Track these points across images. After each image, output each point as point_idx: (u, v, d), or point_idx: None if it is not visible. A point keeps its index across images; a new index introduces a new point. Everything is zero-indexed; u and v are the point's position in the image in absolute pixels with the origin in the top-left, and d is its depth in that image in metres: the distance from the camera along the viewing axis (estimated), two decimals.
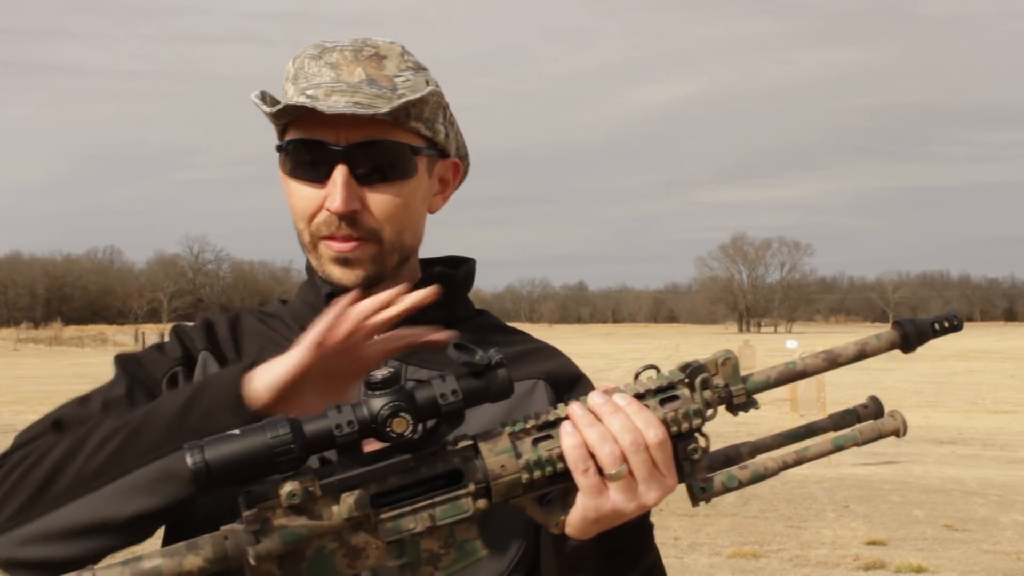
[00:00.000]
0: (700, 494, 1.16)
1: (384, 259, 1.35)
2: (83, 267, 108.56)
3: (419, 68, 1.37)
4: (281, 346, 1.40)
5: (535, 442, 1.11)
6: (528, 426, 1.12)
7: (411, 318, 1.38)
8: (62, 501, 1.14)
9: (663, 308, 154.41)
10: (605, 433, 1.10)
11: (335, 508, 1.06)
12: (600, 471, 1.10)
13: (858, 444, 1.19)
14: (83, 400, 1.31)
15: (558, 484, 1.13)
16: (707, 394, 1.14)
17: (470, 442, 1.11)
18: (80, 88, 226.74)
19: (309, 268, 1.42)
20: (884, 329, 1.21)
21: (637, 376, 1.17)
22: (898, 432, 1.19)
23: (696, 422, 1.14)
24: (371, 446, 1.09)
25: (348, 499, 1.06)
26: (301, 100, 1.28)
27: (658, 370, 1.17)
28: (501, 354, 1.10)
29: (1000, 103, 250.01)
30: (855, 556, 8.25)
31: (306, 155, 1.33)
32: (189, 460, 1.02)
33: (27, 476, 1.16)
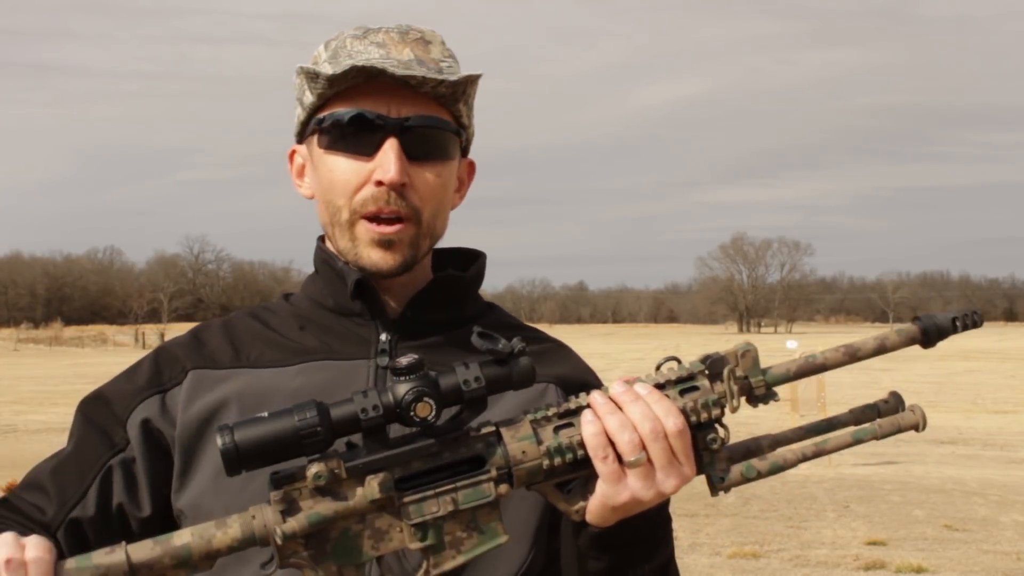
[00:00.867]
0: (719, 483, 1.17)
1: (420, 243, 1.35)
2: (83, 267, 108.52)
3: (455, 58, 1.38)
4: (277, 343, 1.40)
5: (556, 429, 1.13)
6: (550, 414, 1.14)
7: (419, 320, 1.39)
8: None
9: (663, 308, 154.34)
10: (625, 421, 1.11)
11: (360, 490, 1.09)
12: (619, 458, 1.12)
13: (877, 438, 1.20)
14: (38, 472, 1.36)
15: (579, 471, 1.14)
16: (726, 385, 1.15)
17: (492, 428, 1.13)
18: (83, 88, 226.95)
19: (323, 260, 1.41)
20: (902, 325, 1.21)
21: (659, 367, 1.18)
22: (917, 426, 1.20)
23: (715, 412, 1.15)
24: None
25: (373, 482, 1.08)
26: (370, 61, 1.27)
27: (679, 362, 1.18)
28: (524, 343, 1.11)
29: (1001, 103, 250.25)
30: (855, 556, 8.25)
31: (351, 128, 1.31)
32: (219, 441, 1.05)
33: None
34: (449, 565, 1.11)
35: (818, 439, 1.20)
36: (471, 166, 1.47)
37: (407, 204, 1.32)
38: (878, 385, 26.37)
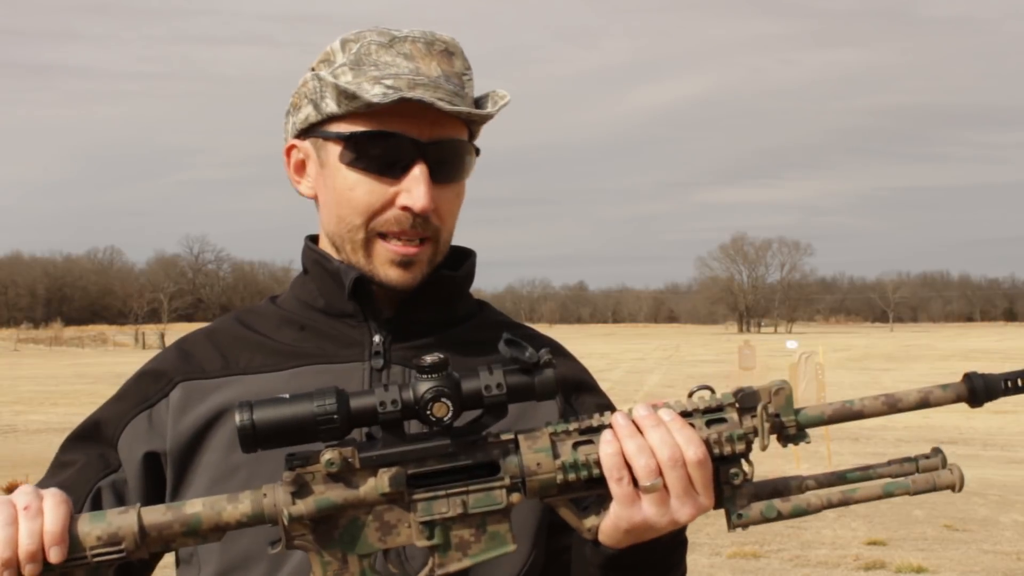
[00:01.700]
0: (737, 520, 1.14)
1: (435, 259, 1.35)
2: (83, 267, 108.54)
3: (471, 68, 1.37)
4: (267, 348, 1.37)
5: (575, 445, 1.13)
6: (571, 429, 1.13)
7: (412, 321, 1.38)
8: None
9: (663, 308, 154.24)
10: (643, 445, 1.11)
11: (372, 481, 1.09)
12: (635, 482, 1.11)
13: (910, 493, 1.16)
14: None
15: (593, 490, 1.14)
16: (756, 421, 1.13)
17: (511, 436, 1.13)
18: (86, 89, 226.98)
19: (315, 260, 1.38)
20: (952, 381, 1.18)
21: (691, 394, 1.17)
22: (954, 487, 1.16)
23: (740, 447, 1.13)
24: None
25: (385, 475, 1.09)
26: (415, 94, 1.25)
27: (712, 391, 1.17)
28: (550, 355, 1.11)
29: (1002, 104, 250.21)
30: (855, 556, 8.24)
31: (378, 148, 1.29)
32: (237, 418, 1.07)
33: None
34: (454, 567, 1.12)
35: (846, 487, 1.16)
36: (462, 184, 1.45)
37: (430, 226, 1.31)
38: (878, 385, 26.34)
